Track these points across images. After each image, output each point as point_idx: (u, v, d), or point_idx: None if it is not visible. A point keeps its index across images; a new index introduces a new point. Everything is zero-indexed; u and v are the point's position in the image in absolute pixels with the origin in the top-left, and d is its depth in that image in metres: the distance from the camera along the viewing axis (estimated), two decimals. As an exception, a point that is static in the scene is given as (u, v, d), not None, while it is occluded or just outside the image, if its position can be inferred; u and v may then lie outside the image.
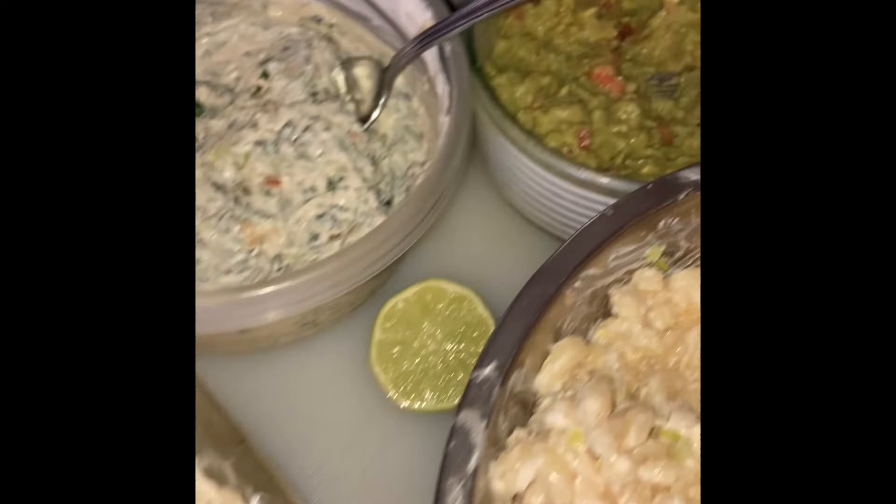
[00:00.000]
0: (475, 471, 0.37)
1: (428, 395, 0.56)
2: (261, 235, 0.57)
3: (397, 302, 0.57)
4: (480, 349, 0.55)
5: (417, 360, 0.56)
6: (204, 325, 0.49)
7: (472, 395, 0.39)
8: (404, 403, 0.56)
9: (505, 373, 0.40)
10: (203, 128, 0.61)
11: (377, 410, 0.57)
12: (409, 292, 0.58)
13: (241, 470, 0.45)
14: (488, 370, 0.40)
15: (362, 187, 0.59)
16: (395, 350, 0.57)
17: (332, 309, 0.57)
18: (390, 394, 0.56)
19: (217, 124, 0.61)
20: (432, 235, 0.63)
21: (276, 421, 0.55)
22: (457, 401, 0.55)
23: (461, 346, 0.56)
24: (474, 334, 0.56)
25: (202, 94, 0.62)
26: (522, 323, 0.41)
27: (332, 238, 0.58)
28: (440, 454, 0.55)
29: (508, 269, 0.60)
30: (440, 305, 0.57)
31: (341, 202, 0.58)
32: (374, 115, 0.62)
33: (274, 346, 0.58)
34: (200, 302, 0.48)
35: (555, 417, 0.39)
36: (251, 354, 0.58)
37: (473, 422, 0.39)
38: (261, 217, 0.57)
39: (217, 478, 0.45)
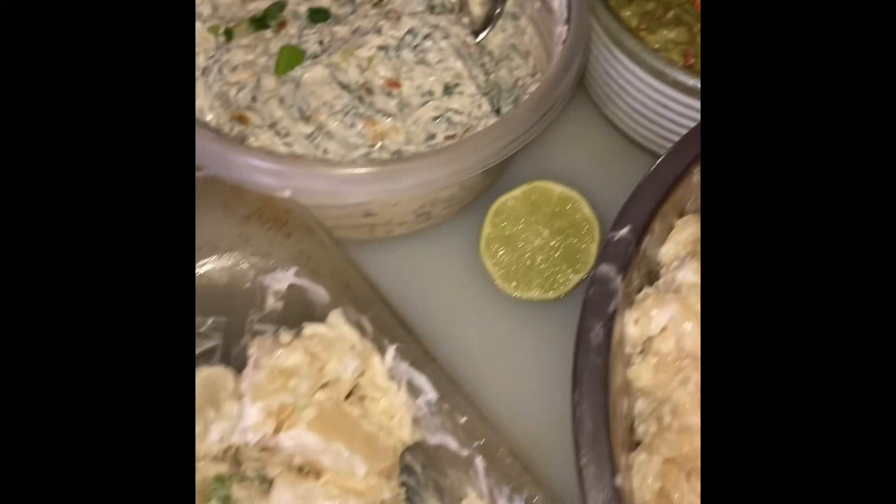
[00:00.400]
0: (614, 313, 0.41)
1: (534, 285, 0.59)
2: (382, 132, 0.61)
3: (507, 199, 0.61)
4: (585, 245, 0.60)
5: (524, 254, 0.60)
6: (340, 196, 0.53)
7: (610, 250, 0.43)
8: (511, 293, 0.60)
9: (639, 235, 0.43)
10: (328, 32, 0.65)
11: (486, 298, 0.60)
12: (518, 191, 0.61)
13: (378, 324, 0.49)
14: (623, 231, 0.44)
15: (476, 93, 0.63)
16: (504, 244, 0.60)
17: (445, 202, 0.61)
18: (498, 283, 0.60)
19: (341, 30, 0.65)
20: (534, 147, 0.67)
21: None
22: (560, 292, 0.59)
23: (566, 243, 0.60)
24: (581, 232, 0.60)
25: (325, 2, 0.67)
26: (655, 194, 0.45)
27: (448, 139, 0.61)
28: (543, 339, 0.60)
29: (607, 182, 0.64)
30: (547, 204, 0.61)
31: (456, 106, 0.62)
32: (488, 29, 0.66)
33: (389, 235, 0.62)
34: (341, 170, 0.51)
35: (686, 274, 0.43)
36: (368, 243, 0.62)
37: (611, 273, 0.42)
38: (382, 115, 0.61)
39: (357, 329, 0.49)
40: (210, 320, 0.52)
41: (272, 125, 0.60)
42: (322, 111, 0.61)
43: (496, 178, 0.65)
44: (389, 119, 0.61)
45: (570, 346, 0.59)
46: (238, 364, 0.51)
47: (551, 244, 0.60)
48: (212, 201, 0.52)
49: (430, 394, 0.47)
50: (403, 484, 0.50)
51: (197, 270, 0.52)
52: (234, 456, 0.49)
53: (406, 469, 0.51)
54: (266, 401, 0.45)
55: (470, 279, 0.61)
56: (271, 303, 0.53)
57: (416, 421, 0.49)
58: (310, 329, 0.48)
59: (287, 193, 0.51)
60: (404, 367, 0.48)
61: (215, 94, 0.62)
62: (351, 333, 0.48)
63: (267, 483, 0.47)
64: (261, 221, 0.52)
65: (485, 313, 0.60)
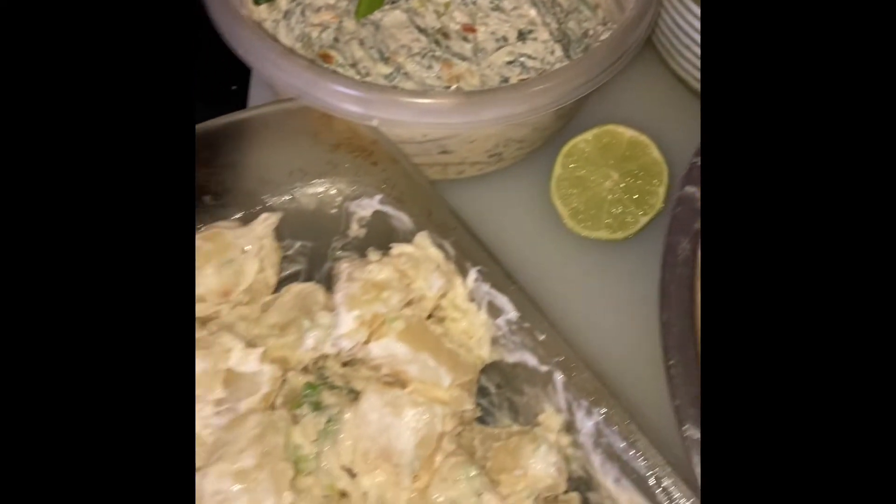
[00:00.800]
0: (698, 231, 0.43)
1: (602, 226, 0.61)
2: (457, 74, 0.63)
3: (578, 142, 0.63)
4: (653, 188, 0.61)
5: (594, 195, 0.62)
6: (423, 126, 0.55)
7: (694, 174, 0.45)
8: (580, 233, 0.61)
9: (721, 160, 0.45)
10: (406, -22, 0.67)
11: (555, 238, 0.62)
12: (589, 134, 0.63)
13: (460, 248, 0.52)
14: (707, 157, 0.45)
15: (549, 40, 0.64)
16: (575, 185, 0.62)
17: (518, 143, 0.63)
18: (567, 223, 0.62)
19: (418, -23, 0.67)
20: (599, 98, 0.68)
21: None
22: (628, 233, 0.61)
23: (635, 185, 0.62)
24: (650, 175, 0.61)
25: (404, -49, 0.69)
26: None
27: (521, 82, 0.63)
28: (610, 277, 0.61)
29: (672, 131, 0.65)
30: (618, 147, 0.63)
31: (529, 51, 0.64)
32: (559, -21, 0.68)
33: (460, 175, 0.65)
34: (425, 100, 0.54)
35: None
36: (439, 183, 0.65)
37: (696, 193, 0.44)
38: (458, 59, 0.63)
39: (441, 251, 0.52)
40: (297, 244, 0.55)
41: (353, 65, 0.62)
42: (400, 53, 0.63)
43: (566, 122, 0.66)
44: (465, 62, 0.63)
45: (637, 284, 0.61)
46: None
47: (620, 186, 0.62)
48: (302, 130, 0.55)
49: (511, 313, 0.50)
50: (477, 405, 0.53)
51: (286, 195, 0.54)
52: (319, 371, 0.51)
53: (480, 390, 0.53)
54: (361, 310, 0.47)
55: (539, 219, 0.63)
56: (355, 229, 0.55)
57: (494, 340, 0.51)
58: (398, 248, 0.51)
59: (375, 122, 0.54)
60: (485, 288, 0.51)
61: (297, 36, 0.64)
62: (436, 254, 0.51)
63: (354, 394, 0.49)
64: (349, 150, 0.55)
65: (554, 252, 0.62)
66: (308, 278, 0.56)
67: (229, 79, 0.74)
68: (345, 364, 0.51)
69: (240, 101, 0.71)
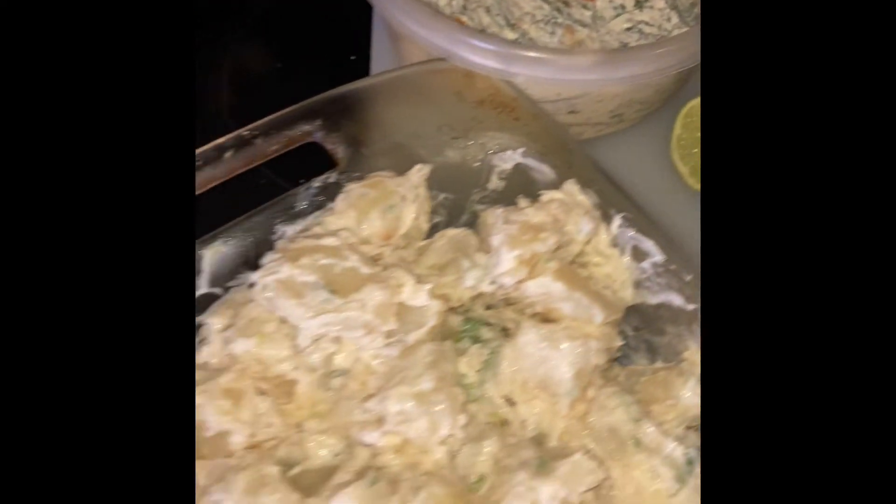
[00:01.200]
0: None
1: (721, 183, 0.64)
2: (579, 40, 0.66)
3: (696, 104, 0.66)
4: (772, 146, 0.64)
5: (713, 154, 0.65)
6: (562, 84, 0.58)
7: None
8: (699, 189, 0.64)
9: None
10: (525, -49, 0.70)
11: (674, 195, 0.65)
12: (708, 96, 0.66)
13: (604, 196, 0.54)
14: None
15: (665, 7, 0.67)
16: (695, 144, 0.65)
17: (640, 104, 0.65)
18: (688, 181, 0.64)
19: (535, -50, 0.70)
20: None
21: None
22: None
23: (754, 144, 0.64)
24: (769, 132, 0.64)
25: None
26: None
27: (653, 43, 0.66)
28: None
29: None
30: (736, 108, 0.65)
31: (647, 18, 0.67)
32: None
33: (579, 137, 0.68)
34: (573, 55, 0.57)
35: None
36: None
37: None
38: (579, 25, 0.66)
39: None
40: (441, 196, 0.58)
41: (481, 30, 0.65)
42: (525, 20, 0.66)
43: (682, 85, 0.69)
44: (585, 29, 0.66)
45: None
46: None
47: (739, 145, 0.64)
48: (447, 88, 0.58)
49: (657, 256, 0.52)
50: (615, 348, 0.55)
51: (435, 149, 0.57)
52: (466, 312, 0.54)
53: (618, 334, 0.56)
54: (521, 249, 0.50)
55: (659, 177, 0.66)
56: (494, 182, 0.58)
57: (637, 284, 0.54)
58: (548, 195, 0.54)
59: (519, 79, 0.57)
60: (630, 233, 0.53)
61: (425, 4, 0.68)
62: (585, 200, 0.53)
63: (505, 331, 0.52)
64: (492, 106, 0.58)
65: (675, 208, 0.65)
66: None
67: (348, 49, 0.78)
68: (488, 308, 0.54)
69: (361, 71, 0.75)
